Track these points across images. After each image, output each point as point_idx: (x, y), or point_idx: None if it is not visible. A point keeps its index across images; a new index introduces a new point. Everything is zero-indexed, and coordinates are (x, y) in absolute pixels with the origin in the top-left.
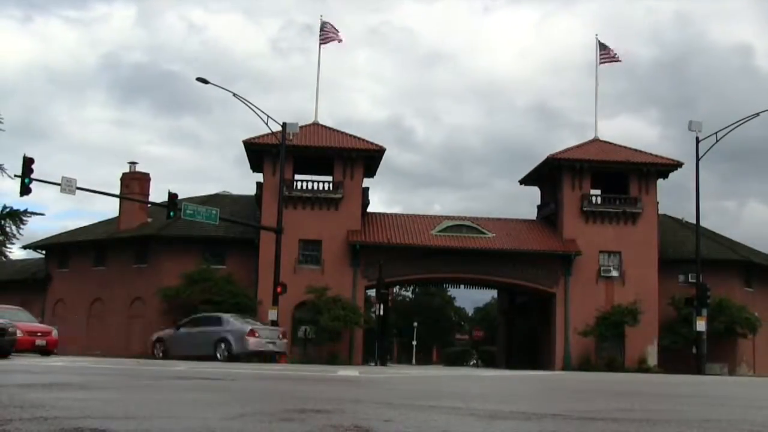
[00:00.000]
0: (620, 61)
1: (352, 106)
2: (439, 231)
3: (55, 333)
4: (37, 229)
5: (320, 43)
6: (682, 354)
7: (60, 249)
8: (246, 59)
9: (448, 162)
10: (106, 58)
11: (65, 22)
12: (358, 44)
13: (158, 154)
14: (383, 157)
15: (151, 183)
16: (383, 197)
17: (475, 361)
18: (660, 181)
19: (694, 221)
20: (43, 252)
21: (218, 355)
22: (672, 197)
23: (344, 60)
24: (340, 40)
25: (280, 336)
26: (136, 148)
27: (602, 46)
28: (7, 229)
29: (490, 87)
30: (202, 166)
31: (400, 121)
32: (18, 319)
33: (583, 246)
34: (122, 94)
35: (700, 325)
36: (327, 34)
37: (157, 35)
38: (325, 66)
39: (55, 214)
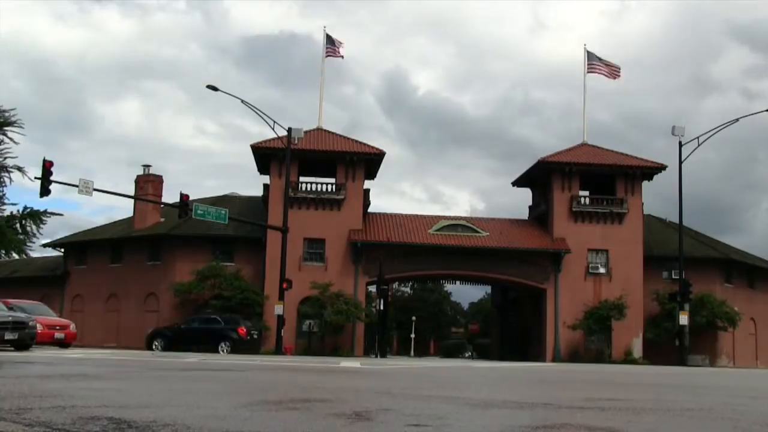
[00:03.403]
0: (616, 77)
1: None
2: (436, 230)
3: (72, 327)
4: (77, 222)
5: (325, 56)
6: (665, 346)
7: (78, 247)
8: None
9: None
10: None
11: (118, 7)
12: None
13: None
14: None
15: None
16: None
17: (470, 353)
18: (645, 183)
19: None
20: (62, 250)
21: None
22: (659, 197)
23: (404, 47)
24: (342, 56)
25: None
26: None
27: (591, 57)
28: (28, 229)
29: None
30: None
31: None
32: (38, 313)
33: (573, 244)
34: (187, 80)
35: (683, 319)
36: (330, 49)
37: (212, 24)
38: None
39: (96, 209)
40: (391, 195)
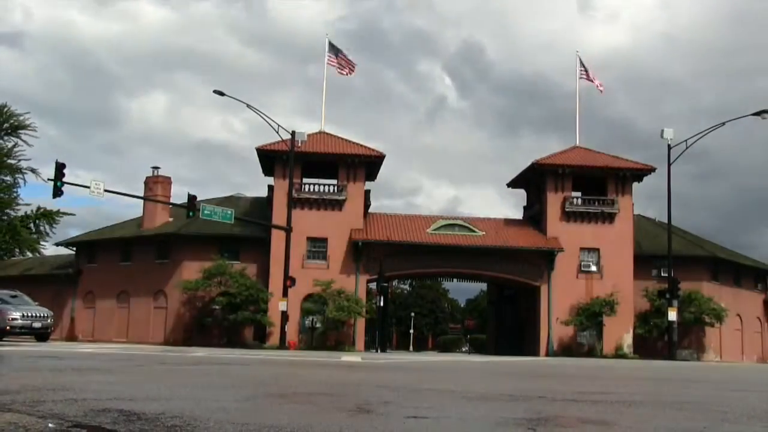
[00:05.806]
0: (600, 90)
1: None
2: (434, 229)
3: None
4: (116, 214)
5: (327, 63)
6: (655, 341)
7: (89, 246)
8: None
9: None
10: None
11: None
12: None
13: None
14: None
15: None
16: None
17: (466, 348)
18: (635, 184)
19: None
20: (74, 249)
21: None
22: (651, 198)
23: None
24: (345, 72)
25: None
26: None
27: (582, 64)
28: (41, 228)
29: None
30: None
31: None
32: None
33: (565, 243)
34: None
35: (672, 315)
36: (332, 59)
37: (253, 14)
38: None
39: (126, 204)
40: (464, 185)
